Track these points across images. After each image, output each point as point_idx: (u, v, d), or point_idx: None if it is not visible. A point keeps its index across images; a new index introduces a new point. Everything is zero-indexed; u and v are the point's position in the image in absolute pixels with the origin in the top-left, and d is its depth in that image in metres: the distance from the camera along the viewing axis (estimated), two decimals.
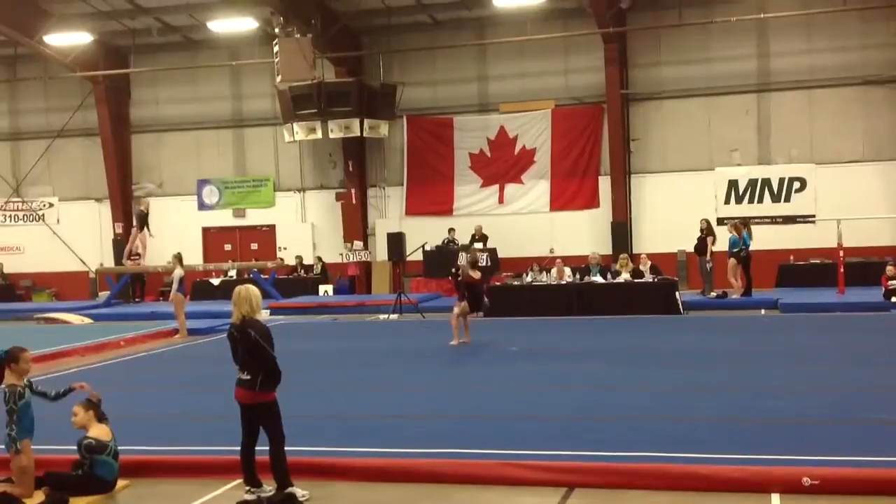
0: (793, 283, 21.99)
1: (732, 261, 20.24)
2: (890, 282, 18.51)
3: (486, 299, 16.09)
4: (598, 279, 20.07)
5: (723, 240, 20.75)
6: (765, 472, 6.81)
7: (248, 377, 6.84)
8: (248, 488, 6.92)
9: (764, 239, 21.85)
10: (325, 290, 24.78)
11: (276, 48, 21.68)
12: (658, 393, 10.38)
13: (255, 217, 27.54)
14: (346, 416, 9.59)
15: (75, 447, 7.31)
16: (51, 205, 28.55)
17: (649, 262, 20.97)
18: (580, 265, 21.26)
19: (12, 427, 7.05)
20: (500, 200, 25.61)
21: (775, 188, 23.78)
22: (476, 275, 15.36)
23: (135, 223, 24.19)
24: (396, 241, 22.28)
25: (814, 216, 23.07)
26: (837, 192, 22.91)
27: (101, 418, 7.40)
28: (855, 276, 20.73)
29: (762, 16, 22.98)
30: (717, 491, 6.71)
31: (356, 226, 26.13)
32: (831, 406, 9.35)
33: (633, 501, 6.65)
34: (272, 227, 27.43)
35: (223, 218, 27.66)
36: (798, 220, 23.53)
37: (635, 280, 19.89)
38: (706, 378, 11.18)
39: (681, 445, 7.65)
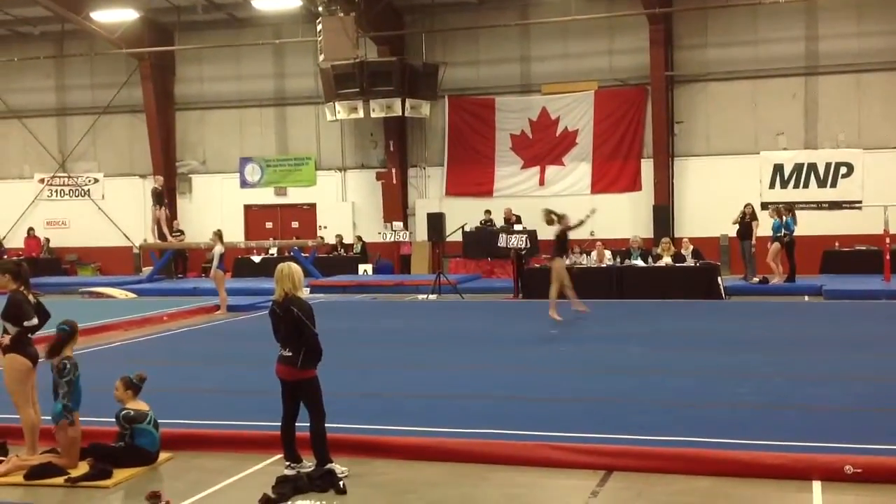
0: (837, 269, 21.68)
1: (776, 245, 20.00)
2: None
3: None
4: (639, 263, 19.94)
5: (765, 225, 20.50)
6: (806, 458, 6.75)
7: (290, 354, 6.89)
8: (288, 464, 6.98)
9: (809, 224, 21.54)
10: (365, 269, 24.89)
11: (319, 27, 21.70)
12: (699, 378, 10.33)
13: (297, 195, 27.67)
14: (385, 395, 9.65)
15: (115, 420, 7.46)
16: (96, 180, 28.89)
17: (691, 247, 20.76)
18: (621, 248, 21.13)
19: (68, 398, 7.22)
20: (541, 182, 25.48)
21: (821, 173, 23.44)
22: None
23: (153, 202, 24.52)
24: (436, 222, 22.28)
25: (860, 202, 22.70)
26: (885, 178, 22.48)
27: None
28: None
29: None
30: (757, 477, 6.66)
31: (396, 205, 26.17)
32: (875, 394, 9.24)
33: (671, 486, 6.62)
34: (313, 206, 27.56)
35: (265, 196, 27.84)
36: (844, 205, 23.18)
37: (676, 264, 19.74)
38: (748, 363, 11.08)
39: (721, 430, 7.60)
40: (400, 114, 24.45)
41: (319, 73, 25.27)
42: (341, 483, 6.67)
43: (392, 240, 25.02)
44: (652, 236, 23.11)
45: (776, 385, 9.74)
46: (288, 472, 6.88)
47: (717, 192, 23.71)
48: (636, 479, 6.77)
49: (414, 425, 8.04)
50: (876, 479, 6.52)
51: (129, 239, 28.31)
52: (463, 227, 23.48)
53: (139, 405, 7.48)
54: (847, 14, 23.16)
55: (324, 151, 27.33)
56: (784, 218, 19.93)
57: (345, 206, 27.19)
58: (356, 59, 23.29)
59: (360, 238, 26.42)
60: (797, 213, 20.51)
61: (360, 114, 24.45)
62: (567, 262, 16.11)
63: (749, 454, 6.88)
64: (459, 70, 25.72)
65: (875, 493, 6.37)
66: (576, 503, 6.42)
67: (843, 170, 23.27)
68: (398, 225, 25.24)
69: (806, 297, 18.95)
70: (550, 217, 15.94)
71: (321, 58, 22.42)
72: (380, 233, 25.37)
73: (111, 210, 28.63)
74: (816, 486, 6.49)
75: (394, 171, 26.18)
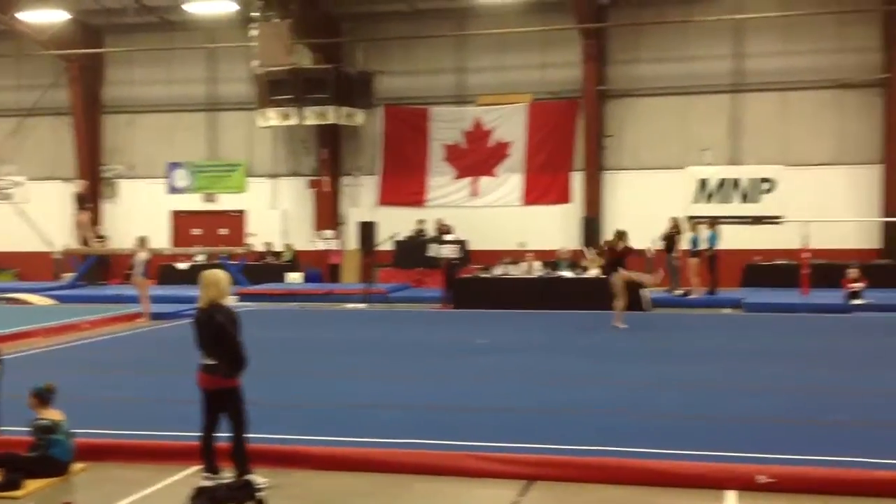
0: (758, 283, 22.14)
1: (693, 259, 20.42)
2: (851, 284, 18.72)
3: None
4: (567, 274, 20.14)
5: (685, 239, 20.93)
6: (721, 468, 6.88)
7: (213, 362, 6.78)
8: (206, 475, 6.88)
9: (731, 239, 21.91)
10: (294, 277, 24.67)
11: (253, 32, 21.52)
12: (621, 388, 10.46)
13: (227, 202, 27.34)
14: (308, 405, 9.58)
15: (28, 429, 7.28)
16: (18, 184, 28.14)
17: None
18: (551, 259, 21.32)
19: None
20: (474, 193, 25.60)
21: (744, 189, 23.87)
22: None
23: (77, 206, 24.01)
24: (368, 231, 22.21)
25: (781, 217, 23.19)
26: (806, 194, 22.98)
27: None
28: (819, 277, 20.79)
29: (741, 16, 23.10)
30: (675, 486, 6.78)
31: (328, 214, 26.02)
32: (790, 405, 9.46)
33: (591, 495, 6.70)
34: (242, 213, 27.24)
35: (193, 202, 27.44)
36: (765, 220, 23.63)
37: (603, 275, 19.95)
38: (668, 375, 11.26)
39: (642, 441, 7.70)
40: (334, 122, 24.35)
41: (253, 78, 25.03)
42: (261, 494, 6.59)
43: (323, 248, 24.85)
44: (581, 248, 23.35)
45: (696, 396, 9.92)
46: (206, 483, 6.77)
47: (645, 206, 23.96)
48: (557, 489, 6.83)
49: (337, 435, 7.98)
50: (789, 488, 6.67)
51: (50, 244, 27.61)
52: (394, 237, 23.47)
53: (52, 414, 7.31)
54: (774, 33, 23.76)
55: (256, 158, 27.06)
56: (708, 231, 20.35)
57: (275, 214, 26.92)
58: (290, 65, 23.14)
59: (289, 246, 26.18)
60: (720, 227, 20.94)
61: (293, 121, 24.28)
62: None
63: (665, 464, 7.00)
64: (395, 79, 25.71)
65: (788, 503, 6.51)
66: None
67: (766, 185, 23.69)
68: (329, 233, 25.11)
69: (727, 310, 19.34)
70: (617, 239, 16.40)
71: (255, 63, 22.21)
72: (311, 241, 25.18)
73: (32, 214, 27.89)
74: (731, 495, 6.63)
75: (326, 179, 26.03)
